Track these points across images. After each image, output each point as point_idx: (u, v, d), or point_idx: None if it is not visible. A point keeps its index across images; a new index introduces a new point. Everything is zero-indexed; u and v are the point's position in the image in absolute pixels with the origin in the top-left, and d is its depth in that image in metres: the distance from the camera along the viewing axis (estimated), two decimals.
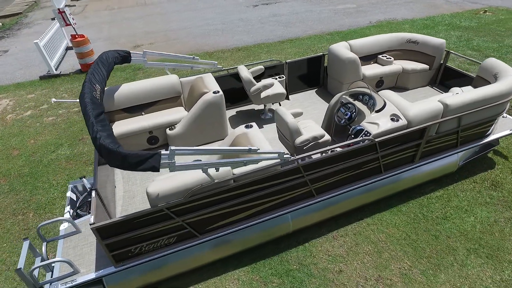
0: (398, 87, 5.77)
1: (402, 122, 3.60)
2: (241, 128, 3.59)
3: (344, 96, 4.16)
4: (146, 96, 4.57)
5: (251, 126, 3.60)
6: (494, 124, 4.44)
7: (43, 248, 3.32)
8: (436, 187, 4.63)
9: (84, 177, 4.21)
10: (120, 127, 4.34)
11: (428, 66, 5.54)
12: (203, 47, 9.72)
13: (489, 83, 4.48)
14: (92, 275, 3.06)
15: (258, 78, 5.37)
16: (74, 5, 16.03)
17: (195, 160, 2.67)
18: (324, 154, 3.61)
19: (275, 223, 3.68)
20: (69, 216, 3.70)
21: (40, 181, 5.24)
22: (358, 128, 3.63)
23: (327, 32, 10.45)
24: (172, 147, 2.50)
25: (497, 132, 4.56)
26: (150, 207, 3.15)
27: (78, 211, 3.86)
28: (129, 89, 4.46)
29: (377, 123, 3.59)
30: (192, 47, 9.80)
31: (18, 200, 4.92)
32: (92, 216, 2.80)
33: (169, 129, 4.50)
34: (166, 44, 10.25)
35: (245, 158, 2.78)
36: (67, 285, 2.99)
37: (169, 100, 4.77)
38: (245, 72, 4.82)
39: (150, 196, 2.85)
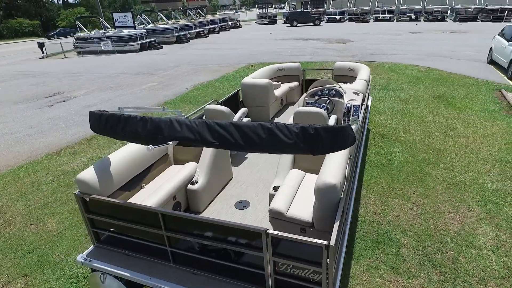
0: (290, 103, 7.29)
1: (361, 94, 5.01)
2: None
3: (306, 98, 5.09)
4: (138, 163, 3.58)
5: None
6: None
7: None
8: (372, 150, 6.32)
9: None
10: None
11: (297, 83, 7.43)
12: (49, 148, 7.58)
13: (349, 76, 6.77)
14: None
15: None
16: None
17: None
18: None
19: None
20: None
21: None
22: (348, 105, 4.68)
23: (162, 102, 10.85)
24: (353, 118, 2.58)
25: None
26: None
27: None
28: (118, 161, 3.36)
29: (353, 99, 4.78)
30: (36, 149, 7.38)
31: None
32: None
33: (191, 184, 3.71)
34: None
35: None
36: None
37: (160, 161, 3.92)
38: (222, 107, 4.74)
39: (337, 187, 2.60)
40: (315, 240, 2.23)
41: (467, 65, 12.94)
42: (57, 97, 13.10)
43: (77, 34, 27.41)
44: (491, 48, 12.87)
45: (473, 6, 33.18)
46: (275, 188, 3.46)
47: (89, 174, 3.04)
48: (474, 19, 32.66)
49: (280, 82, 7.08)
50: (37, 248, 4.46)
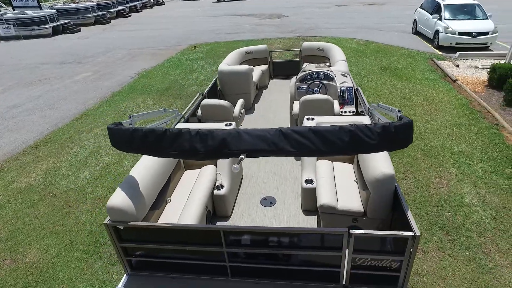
0: (262, 87, 7.19)
1: (348, 75, 5.16)
2: None
3: (297, 84, 5.07)
4: (160, 177, 3.23)
5: None
6: None
7: None
8: None
9: None
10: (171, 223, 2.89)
11: (266, 65, 7.32)
12: None
13: (320, 56, 6.90)
14: None
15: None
16: None
17: None
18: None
19: None
20: None
21: None
22: (343, 88, 4.80)
23: (109, 94, 9.78)
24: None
25: None
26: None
27: None
28: (143, 179, 2.99)
29: (344, 81, 4.92)
30: None
31: None
32: None
33: (217, 189, 3.48)
34: None
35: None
36: None
37: (176, 169, 3.58)
38: (220, 102, 4.45)
39: (394, 177, 2.70)
40: (402, 232, 2.32)
41: (397, 36, 14.17)
42: None
43: None
44: (415, 20, 14.24)
45: None
46: (308, 181, 3.46)
47: (119, 200, 2.64)
48: None
49: (252, 67, 6.89)
50: (27, 287, 3.82)
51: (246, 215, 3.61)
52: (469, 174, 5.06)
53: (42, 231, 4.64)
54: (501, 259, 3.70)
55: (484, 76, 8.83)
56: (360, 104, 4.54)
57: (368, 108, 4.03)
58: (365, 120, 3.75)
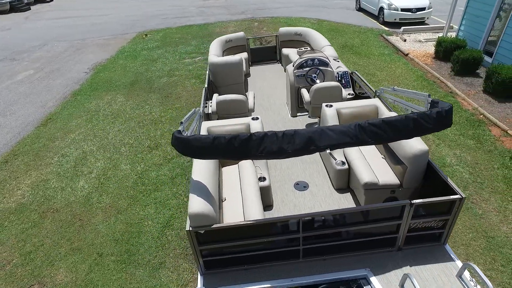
0: (246, 74, 7.30)
1: (339, 60, 5.58)
2: None
3: (295, 71, 5.35)
4: (214, 177, 3.34)
5: None
6: None
7: None
8: None
9: None
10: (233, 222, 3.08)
11: (246, 53, 7.43)
12: None
13: (297, 41, 7.20)
14: None
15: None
16: None
17: None
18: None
19: None
20: None
21: None
22: (340, 73, 5.19)
23: (69, 94, 8.98)
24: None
25: None
26: None
27: None
28: (207, 182, 3.10)
29: (339, 66, 5.32)
30: None
31: None
32: None
33: (260, 181, 3.70)
34: None
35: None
36: None
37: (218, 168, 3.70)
38: (237, 96, 4.54)
39: (428, 151, 3.19)
40: (451, 196, 2.83)
41: (344, 14, 14.99)
42: None
43: None
44: None
45: None
46: (339, 164, 3.84)
47: (199, 206, 2.74)
48: None
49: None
50: None
51: (286, 201, 3.90)
52: (443, 139, 5.93)
53: (60, 249, 4.42)
54: (486, 205, 4.57)
55: (429, 48, 9.99)
56: (360, 87, 4.99)
57: (376, 91, 4.49)
58: (376, 102, 4.21)
